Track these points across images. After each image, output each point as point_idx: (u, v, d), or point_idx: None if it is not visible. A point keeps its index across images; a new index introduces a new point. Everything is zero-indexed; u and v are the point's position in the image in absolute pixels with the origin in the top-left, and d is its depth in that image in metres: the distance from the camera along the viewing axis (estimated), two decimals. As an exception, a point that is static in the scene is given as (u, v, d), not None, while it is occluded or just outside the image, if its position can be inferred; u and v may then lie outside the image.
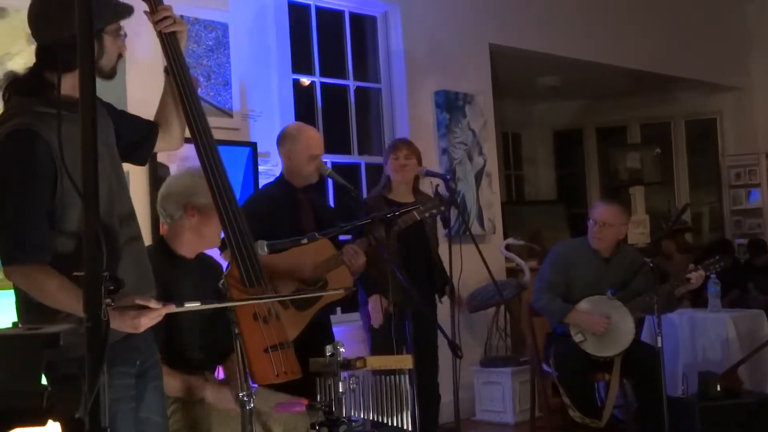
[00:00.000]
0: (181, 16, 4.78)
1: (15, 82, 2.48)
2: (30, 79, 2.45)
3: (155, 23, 2.69)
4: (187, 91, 2.68)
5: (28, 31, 4.16)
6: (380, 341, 4.53)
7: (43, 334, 1.49)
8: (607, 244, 5.08)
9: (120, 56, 2.55)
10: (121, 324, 2.31)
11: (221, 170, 2.68)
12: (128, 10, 2.55)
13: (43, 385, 1.46)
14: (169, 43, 2.69)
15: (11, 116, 2.39)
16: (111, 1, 2.50)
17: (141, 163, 2.82)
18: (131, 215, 2.60)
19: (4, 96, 2.48)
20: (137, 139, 2.72)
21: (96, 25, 2.40)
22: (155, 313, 2.33)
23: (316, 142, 4.29)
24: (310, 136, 4.32)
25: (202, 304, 2.65)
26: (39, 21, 2.46)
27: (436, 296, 4.97)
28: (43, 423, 1.47)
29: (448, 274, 4.54)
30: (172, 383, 3.10)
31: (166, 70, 2.74)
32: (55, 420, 1.51)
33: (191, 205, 3.24)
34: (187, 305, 2.53)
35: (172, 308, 2.39)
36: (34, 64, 2.49)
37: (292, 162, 4.24)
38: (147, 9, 2.70)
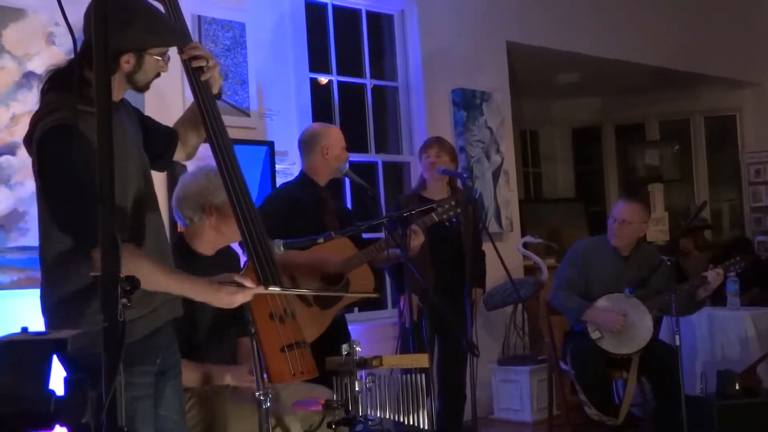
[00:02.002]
0: (199, 17, 4.86)
1: (55, 75, 2.51)
2: (68, 74, 2.47)
3: (187, 60, 2.70)
4: (215, 128, 2.70)
5: (47, 31, 4.24)
6: (410, 339, 4.57)
7: (51, 339, 1.50)
8: (627, 241, 5.07)
9: (158, 75, 2.58)
10: (215, 298, 2.49)
11: (237, 171, 2.70)
12: (181, 39, 2.61)
13: (51, 389, 1.48)
14: (197, 82, 2.70)
15: (50, 111, 2.41)
16: (168, 25, 2.53)
17: (163, 170, 2.87)
18: (157, 214, 2.64)
19: (43, 88, 2.51)
20: (160, 146, 2.77)
21: (143, 43, 2.44)
22: (251, 291, 2.51)
23: (342, 135, 4.44)
24: (338, 131, 4.47)
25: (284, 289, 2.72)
26: (114, 24, 2.43)
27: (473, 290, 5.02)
28: (50, 427, 1.49)
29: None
30: (190, 374, 3.12)
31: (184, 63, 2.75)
32: (62, 424, 1.52)
33: (209, 204, 3.28)
34: (271, 288, 2.61)
35: (261, 289, 2.55)
36: (76, 57, 2.50)
37: (332, 156, 4.29)
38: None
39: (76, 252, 2.39)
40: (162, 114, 2.91)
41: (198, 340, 3.29)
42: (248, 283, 2.49)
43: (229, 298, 2.49)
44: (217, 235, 3.35)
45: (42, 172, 2.43)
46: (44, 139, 2.39)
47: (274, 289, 2.62)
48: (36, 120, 2.44)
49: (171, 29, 2.55)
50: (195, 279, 2.53)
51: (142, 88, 2.57)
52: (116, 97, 2.47)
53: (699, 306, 5.14)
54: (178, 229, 4.47)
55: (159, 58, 2.51)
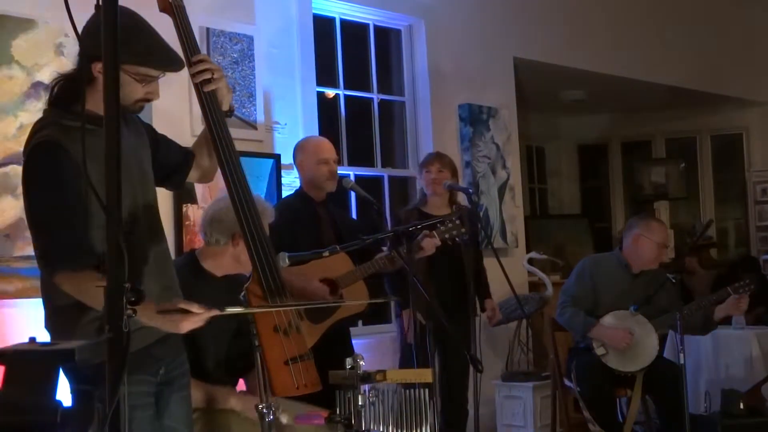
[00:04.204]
0: (207, 29, 4.87)
1: (56, 88, 2.51)
2: (68, 86, 2.49)
3: (192, 75, 2.67)
4: (224, 144, 2.69)
5: (56, 42, 4.25)
6: (411, 355, 4.56)
7: (58, 350, 1.50)
8: None
9: (147, 100, 2.54)
10: (164, 324, 2.38)
11: (245, 185, 2.70)
12: (166, 66, 2.52)
13: (57, 400, 1.48)
14: (205, 97, 2.69)
15: (40, 128, 2.44)
16: (154, 50, 2.48)
17: (175, 189, 2.85)
18: (158, 228, 2.63)
19: (50, 96, 2.51)
20: (173, 165, 2.77)
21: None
22: (197, 317, 2.38)
23: (324, 146, 4.42)
24: (317, 142, 4.49)
25: (244, 309, 2.64)
26: (91, 32, 2.37)
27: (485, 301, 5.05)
28: None
29: (471, 287, 4.55)
30: (194, 393, 3.12)
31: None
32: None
33: (239, 234, 3.27)
34: (228, 309, 2.54)
35: (215, 312, 2.43)
36: (75, 71, 2.53)
37: (306, 171, 4.37)
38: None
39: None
40: (168, 132, 2.90)
41: (203, 359, 3.28)
42: (195, 309, 2.37)
43: (175, 325, 2.38)
44: (234, 263, 3.36)
45: (23, 187, 2.47)
46: (28, 156, 2.43)
47: (234, 309, 2.55)
48: (31, 134, 2.47)
49: (155, 53, 2.48)
50: (143, 305, 2.45)
51: (126, 108, 2.48)
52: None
53: (714, 326, 5.13)
54: (185, 245, 4.50)
55: (136, 79, 2.46)
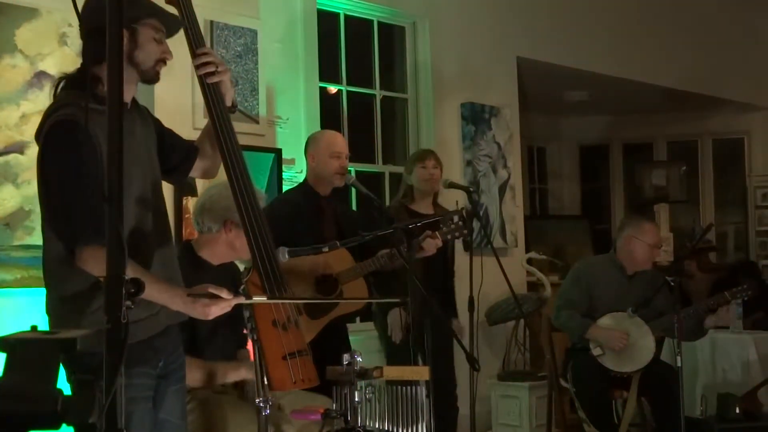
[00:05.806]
0: (211, 22, 4.87)
1: (66, 78, 2.54)
2: (78, 75, 2.51)
3: (195, 67, 2.69)
4: (226, 137, 2.70)
5: (60, 32, 4.25)
6: (398, 353, 4.54)
7: (60, 339, 1.50)
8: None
9: (163, 62, 2.56)
10: (191, 310, 2.42)
11: (247, 180, 2.71)
12: (174, 21, 2.58)
13: (58, 389, 1.48)
14: (209, 90, 2.70)
15: (57, 108, 2.45)
16: (161, 8, 2.54)
17: (178, 183, 2.84)
18: (164, 218, 2.64)
19: (56, 90, 2.53)
20: (177, 158, 2.78)
21: (134, 13, 2.44)
22: (226, 303, 2.44)
23: (338, 140, 4.40)
24: (331, 136, 4.44)
25: (268, 299, 2.66)
26: (95, 6, 2.44)
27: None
28: (57, 426, 1.49)
29: (469, 285, 4.53)
30: (192, 373, 3.12)
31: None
32: (69, 424, 1.53)
33: (231, 221, 3.29)
34: (255, 298, 2.59)
35: (241, 299, 2.49)
36: (82, 62, 2.55)
37: (317, 163, 4.31)
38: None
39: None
40: (170, 123, 2.90)
41: (200, 338, 3.29)
42: (224, 295, 2.43)
43: (203, 310, 2.42)
44: (228, 250, 3.38)
45: (42, 164, 2.45)
46: (49, 133, 2.42)
47: (259, 299, 2.59)
48: (46, 115, 2.48)
49: (157, 7, 2.55)
50: (173, 289, 2.47)
51: (147, 73, 2.54)
52: (127, 92, 2.45)
53: (703, 333, 5.14)
54: (184, 235, 4.50)
55: (155, 38, 2.51)
